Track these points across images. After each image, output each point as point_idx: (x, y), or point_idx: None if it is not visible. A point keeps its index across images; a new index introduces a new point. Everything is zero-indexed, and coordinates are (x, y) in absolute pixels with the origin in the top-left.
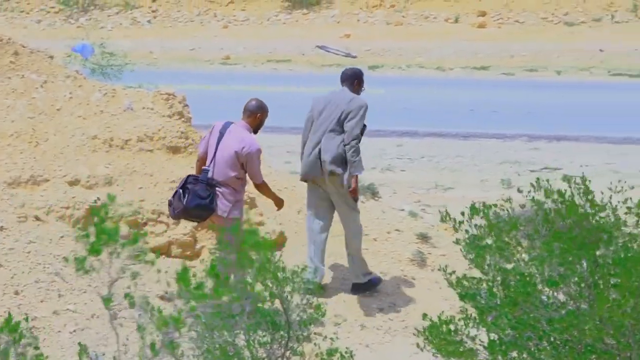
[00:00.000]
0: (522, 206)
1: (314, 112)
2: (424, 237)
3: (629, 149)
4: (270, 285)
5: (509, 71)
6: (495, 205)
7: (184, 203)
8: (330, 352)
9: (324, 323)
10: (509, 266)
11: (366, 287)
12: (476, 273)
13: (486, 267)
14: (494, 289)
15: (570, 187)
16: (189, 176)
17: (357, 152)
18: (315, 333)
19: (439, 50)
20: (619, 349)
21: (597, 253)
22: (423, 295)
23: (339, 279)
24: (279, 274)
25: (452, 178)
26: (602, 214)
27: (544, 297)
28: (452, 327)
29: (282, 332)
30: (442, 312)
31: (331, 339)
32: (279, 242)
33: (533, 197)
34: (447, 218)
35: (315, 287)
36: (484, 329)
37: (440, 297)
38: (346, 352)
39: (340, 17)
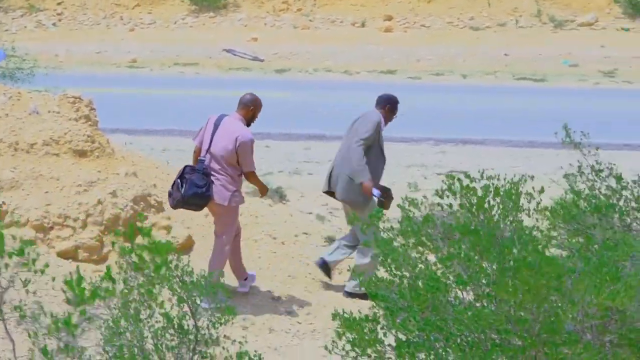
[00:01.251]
0: (437, 205)
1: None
2: (331, 240)
3: (533, 153)
4: (178, 289)
5: (416, 75)
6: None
7: (182, 192)
8: (239, 356)
9: (232, 326)
10: (421, 267)
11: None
12: (386, 275)
13: (398, 265)
14: (403, 290)
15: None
16: (186, 166)
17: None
18: (224, 336)
19: (345, 54)
20: (524, 348)
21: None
22: (331, 298)
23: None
24: (186, 278)
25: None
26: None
27: (451, 299)
28: (365, 326)
29: (190, 336)
30: (352, 312)
31: (240, 342)
32: (186, 246)
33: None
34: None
35: (224, 291)
36: (393, 330)
37: (350, 300)
38: (255, 356)
39: (247, 21)
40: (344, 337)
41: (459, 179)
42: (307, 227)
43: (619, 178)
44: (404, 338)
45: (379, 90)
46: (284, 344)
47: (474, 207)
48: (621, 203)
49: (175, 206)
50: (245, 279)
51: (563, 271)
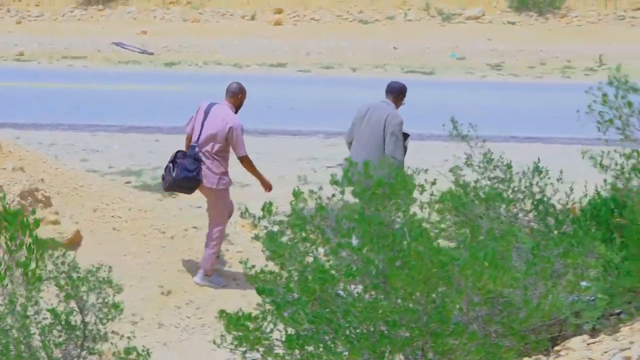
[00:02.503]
0: (330, 198)
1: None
2: None
3: (422, 145)
4: (64, 284)
5: (306, 68)
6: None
7: (173, 176)
8: (128, 351)
9: (121, 322)
10: (309, 259)
11: None
12: (275, 269)
13: (285, 261)
14: (292, 284)
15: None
16: (178, 151)
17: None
18: (112, 332)
19: (236, 47)
20: (412, 339)
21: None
22: (221, 292)
23: (137, 277)
24: (73, 274)
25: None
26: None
27: (340, 291)
28: (250, 324)
29: (77, 332)
30: (240, 309)
31: (128, 337)
32: (74, 241)
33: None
34: (246, 214)
35: (114, 285)
36: (282, 324)
37: (238, 293)
38: (143, 351)
39: (136, 14)
40: (231, 334)
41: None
42: (197, 221)
43: (508, 166)
44: (293, 332)
45: (269, 84)
46: (173, 339)
47: (367, 196)
48: (508, 193)
49: (167, 189)
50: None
51: (450, 261)
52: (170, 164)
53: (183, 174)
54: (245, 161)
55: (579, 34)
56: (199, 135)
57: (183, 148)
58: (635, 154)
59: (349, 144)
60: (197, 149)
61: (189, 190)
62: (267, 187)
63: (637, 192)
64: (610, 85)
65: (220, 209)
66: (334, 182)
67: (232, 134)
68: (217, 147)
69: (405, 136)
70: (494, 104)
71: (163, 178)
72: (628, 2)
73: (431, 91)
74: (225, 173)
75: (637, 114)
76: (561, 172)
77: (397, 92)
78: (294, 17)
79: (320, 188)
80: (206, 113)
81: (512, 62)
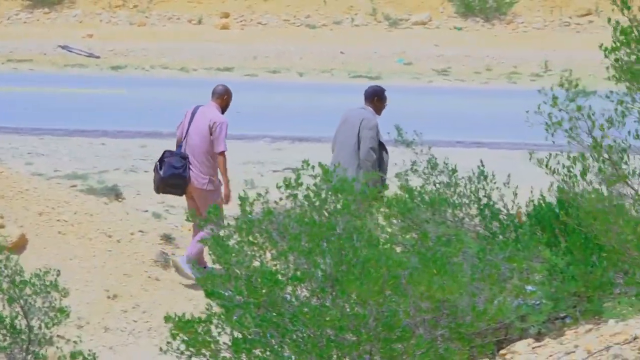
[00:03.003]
0: (276, 202)
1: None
2: (168, 238)
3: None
4: (7, 288)
5: (252, 72)
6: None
7: (161, 174)
8: (74, 355)
9: (66, 326)
10: (255, 264)
11: None
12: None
13: (232, 265)
14: (239, 288)
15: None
16: (165, 151)
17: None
18: (57, 336)
19: (182, 51)
20: (359, 343)
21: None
22: (167, 296)
23: (82, 281)
24: (17, 277)
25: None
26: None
27: (287, 295)
28: (197, 328)
29: (22, 336)
30: (187, 313)
31: (74, 342)
32: (19, 244)
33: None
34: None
35: (60, 289)
36: (229, 328)
37: (185, 297)
38: (89, 355)
39: (82, 17)
40: (178, 337)
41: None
42: (143, 225)
43: (453, 171)
44: (240, 335)
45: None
46: (119, 342)
47: (315, 201)
48: (454, 198)
49: (157, 189)
50: (205, 267)
51: (398, 266)
52: (158, 163)
53: (170, 172)
54: (222, 157)
55: (525, 39)
56: (186, 136)
57: (114, 153)
58: (582, 157)
59: (332, 150)
60: (183, 148)
61: (179, 189)
62: (227, 197)
63: (583, 195)
64: (561, 87)
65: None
66: (286, 185)
67: (216, 128)
68: (203, 146)
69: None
70: (440, 109)
71: (154, 181)
72: (573, 8)
73: None
74: (214, 174)
75: (586, 117)
76: (509, 176)
77: (369, 96)
78: (241, 21)
79: (267, 192)
80: (193, 114)
81: (458, 68)
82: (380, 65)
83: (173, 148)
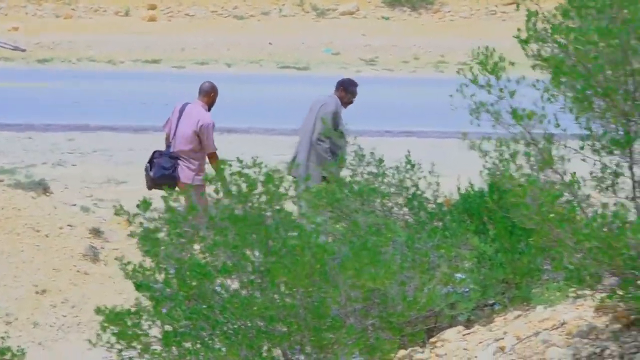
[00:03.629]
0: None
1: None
2: (97, 232)
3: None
4: None
5: (180, 64)
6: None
7: (151, 175)
8: (2, 351)
9: None
10: (185, 256)
11: None
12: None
13: (161, 258)
14: (169, 280)
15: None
16: (155, 151)
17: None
18: None
19: (109, 43)
20: (289, 334)
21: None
22: (97, 290)
23: (10, 276)
24: None
25: (125, 172)
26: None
27: (217, 287)
28: (128, 320)
29: None
30: (118, 305)
31: (2, 338)
32: None
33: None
34: (122, 212)
35: None
36: (159, 321)
37: (114, 291)
38: (18, 351)
39: (7, 10)
40: (108, 330)
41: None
42: (72, 219)
43: (380, 161)
44: (170, 328)
45: (143, 80)
46: (49, 338)
47: (241, 195)
48: (382, 187)
49: (149, 188)
50: None
51: (327, 255)
52: (148, 164)
53: (160, 173)
54: (214, 158)
55: (452, 28)
56: (174, 134)
57: (41, 147)
58: (509, 142)
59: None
60: (172, 148)
61: (169, 188)
62: None
63: (512, 178)
64: (481, 66)
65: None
66: (207, 179)
67: (203, 132)
68: (190, 144)
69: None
70: (368, 98)
71: (145, 179)
72: None
73: (306, 87)
74: (202, 170)
75: (508, 97)
76: (432, 165)
77: (337, 85)
78: (168, 13)
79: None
80: (180, 112)
81: (386, 57)
82: (308, 56)
83: (99, 141)
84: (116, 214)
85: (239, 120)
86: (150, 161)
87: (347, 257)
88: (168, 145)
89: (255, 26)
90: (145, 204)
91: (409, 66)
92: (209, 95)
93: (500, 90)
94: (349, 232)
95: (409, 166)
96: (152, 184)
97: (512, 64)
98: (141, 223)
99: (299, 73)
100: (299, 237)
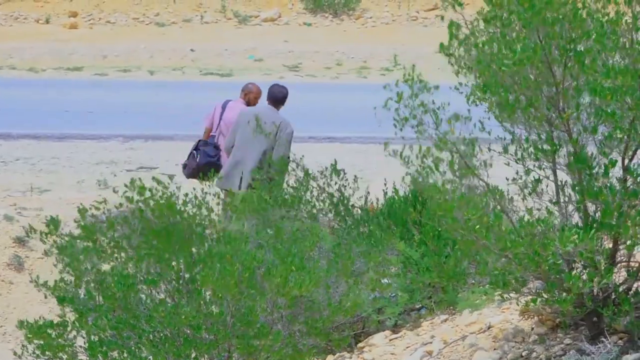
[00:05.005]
0: (119, 206)
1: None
2: (20, 241)
3: None
4: None
5: (103, 71)
6: (95, 206)
7: (197, 161)
8: None
9: None
10: (107, 267)
11: None
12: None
13: (82, 270)
14: (92, 292)
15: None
16: (199, 140)
17: None
18: None
19: (30, 51)
20: (217, 341)
21: (193, 249)
22: (21, 299)
23: None
24: None
25: (48, 180)
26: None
27: (142, 296)
28: (52, 332)
29: None
30: (41, 317)
31: None
32: None
33: (128, 197)
34: (32, 232)
35: None
36: (85, 331)
37: (40, 300)
38: None
39: None
40: (33, 343)
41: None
42: None
43: (306, 173)
44: (96, 338)
45: (66, 88)
46: None
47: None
48: (307, 195)
49: (189, 175)
50: None
51: (253, 262)
52: (194, 151)
53: (205, 160)
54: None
55: (374, 34)
56: (218, 126)
57: None
58: (427, 151)
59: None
60: (216, 139)
61: (210, 175)
62: None
63: (434, 187)
64: (405, 82)
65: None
66: (127, 198)
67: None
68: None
69: None
70: (292, 104)
71: (185, 166)
72: (420, 3)
73: (229, 93)
74: None
75: (431, 113)
76: (353, 175)
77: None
78: (90, 20)
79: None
80: (223, 108)
81: (308, 63)
82: (232, 62)
83: (21, 149)
84: (27, 234)
85: (163, 128)
86: (196, 149)
87: (272, 264)
88: (211, 136)
89: (177, 33)
90: (54, 224)
91: (332, 72)
92: (245, 95)
93: (422, 104)
94: (274, 238)
95: (333, 172)
96: (196, 170)
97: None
98: (55, 241)
99: (222, 79)
100: (227, 245)
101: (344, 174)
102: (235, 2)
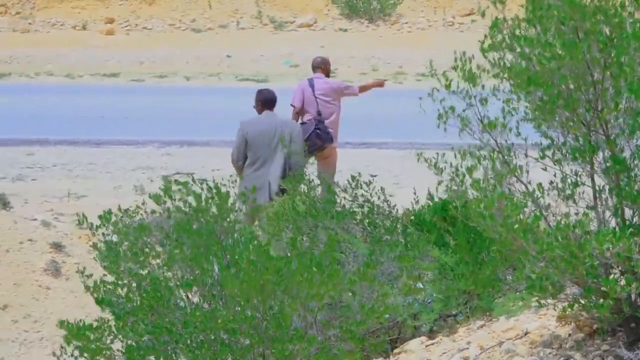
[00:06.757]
0: (152, 212)
1: None
2: (58, 246)
3: None
4: None
5: (139, 77)
6: (132, 211)
7: (322, 139)
8: None
9: None
10: (144, 272)
11: None
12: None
13: (121, 272)
14: (130, 295)
15: (202, 190)
16: (310, 120)
17: None
18: None
19: (67, 57)
20: (252, 346)
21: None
22: (58, 305)
23: None
24: None
25: (85, 186)
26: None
27: (178, 301)
28: (91, 335)
29: None
30: (80, 319)
31: None
32: None
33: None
34: (85, 222)
35: None
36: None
37: (77, 305)
38: None
39: None
40: (72, 344)
41: (177, 181)
42: (32, 234)
43: (329, 188)
44: (133, 342)
45: (102, 93)
46: (11, 353)
47: (192, 209)
48: (340, 205)
49: (312, 152)
50: None
51: (285, 268)
52: (316, 130)
53: (327, 137)
54: (362, 89)
55: (410, 40)
56: (316, 103)
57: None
58: (472, 152)
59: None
60: (321, 115)
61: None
62: (382, 84)
63: (468, 192)
64: (454, 69)
65: (335, 165)
66: (157, 202)
67: (343, 87)
68: (333, 105)
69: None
70: None
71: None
72: (456, 8)
73: None
74: (337, 130)
75: (477, 106)
76: (391, 178)
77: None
78: (126, 26)
79: (144, 203)
80: (311, 85)
81: (344, 69)
82: (268, 68)
83: (59, 155)
84: (79, 223)
85: (199, 133)
86: (317, 128)
87: (305, 268)
88: (318, 113)
89: (213, 39)
90: (108, 216)
91: (368, 78)
92: (322, 67)
93: (470, 97)
94: (309, 245)
95: (364, 182)
96: (320, 149)
97: (486, 71)
98: (104, 234)
99: (259, 85)
100: (254, 250)
101: (373, 179)
102: (272, 8)
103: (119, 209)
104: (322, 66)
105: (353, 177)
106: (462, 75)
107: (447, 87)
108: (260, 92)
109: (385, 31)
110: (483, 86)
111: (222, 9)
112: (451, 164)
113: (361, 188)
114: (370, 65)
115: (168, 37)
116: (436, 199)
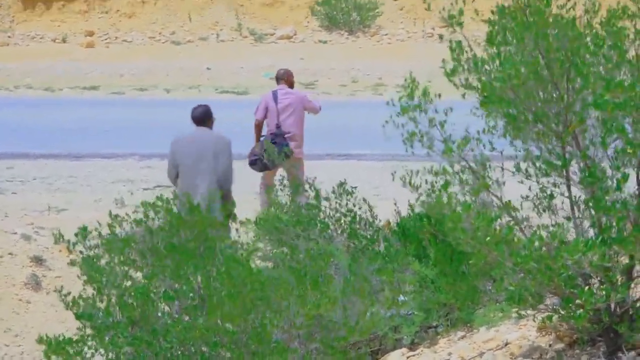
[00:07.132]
0: (137, 222)
1: None
2: (38, 260)
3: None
4: None
5: (119, 90)
6: (117, 221)
7: (279, 153)
8: None
9: None
10: (128, 283)
11: None
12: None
13: (102, 286)
14: (111, 308)
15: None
16: (269, 134)
17: None
18: None
19: (47, 70)
20: (232, 359)
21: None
22: (39, 318)
23: None
24: None
25: (65, 199)
26: None
27: (159, 314)
28: (70, 349)
29: None
30: (60, 334)
31: None
32: None
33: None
34: (61, 239)
35: None
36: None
37: (57, 319)
38: None
39: None
40: (51, 359)
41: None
42: (13, 248)
43: (317, 193)
44: (113, 355)
45: (82, 106)
46: None
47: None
48: (322, 215)
49: (266, 168)
50: None
51: (267, 281)
52: (272, 143)
53: (284, 150)
54: (319, 110)
55: (389, 51)
56: (277, 115)
57: None
58: (444, 170)
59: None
60: (279, 128)
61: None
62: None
63: (448, 205)
64: (408, 97)
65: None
66: (136, 222)
67: (304, 101)
68: (295, 117)
69: None
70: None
71: (261, 164)
72: (435, 20)
73: (245, 111)
74: (302, 140)
75: (438, 126)
76: (371, 190)
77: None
78: (106, 39)
79: (135, 211)
80: (274, 97)
81: (324, 81)
82: (248, 80)
83: (39, 169)
84: (55, 242)
85: None
86: (274, 142)
87: (288, 283)
88: (277, 126)
89: (193, 51)
90: (83, 232)
91: (348, 89)
92: (285, 80)
93: (430, 120)
94: (289, 257)
95: (347, 191)
96: (276, 163)
97: (439, 95)
98: (81, 252)
99: (238, 97)
100: (238, 263)
101: (354, 190)
102: (251, 20)
103: (110, 215)
104: (285, 77)
105: (340, 184)
106: (408, 96)
107: (404, 111)
108: (192, 109)
109: (365, 43)
110: (439, 95)
111: (202, 21)
112: (426, 180)
113: (347, 195)
114: (350, 77)
115: (148, 49)
116: (416, 210)
